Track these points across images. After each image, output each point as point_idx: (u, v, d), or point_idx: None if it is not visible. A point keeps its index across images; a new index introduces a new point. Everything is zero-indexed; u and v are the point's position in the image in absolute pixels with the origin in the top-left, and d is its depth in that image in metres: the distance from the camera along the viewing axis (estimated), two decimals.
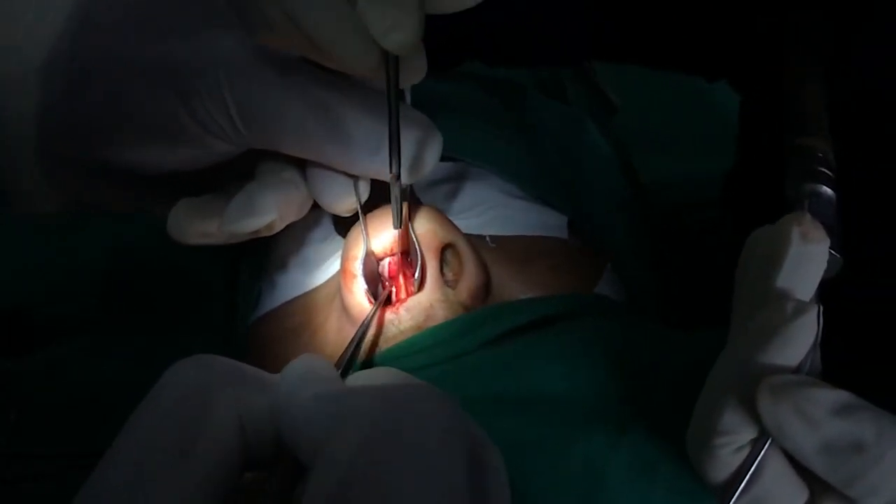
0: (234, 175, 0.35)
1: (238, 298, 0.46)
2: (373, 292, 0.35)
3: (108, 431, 0.42)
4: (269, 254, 0.43)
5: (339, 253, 0.38)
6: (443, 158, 0.35)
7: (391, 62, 0.28)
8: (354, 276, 0.35)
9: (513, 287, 0.38)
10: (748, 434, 0.26)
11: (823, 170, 0.32)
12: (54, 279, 0.51)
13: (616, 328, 0.36)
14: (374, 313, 0.34)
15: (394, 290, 0.36)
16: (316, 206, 0.35)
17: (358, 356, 0.33)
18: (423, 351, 0.33)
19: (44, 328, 0.49)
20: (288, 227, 0.35)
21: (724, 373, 0.27)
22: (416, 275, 0.35)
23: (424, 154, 0.33)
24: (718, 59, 0.54)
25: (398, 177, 0.31)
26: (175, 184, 0.35)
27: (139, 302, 0.51)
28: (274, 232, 0.34)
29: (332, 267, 0.40)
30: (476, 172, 0.44)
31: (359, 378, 0.25)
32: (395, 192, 0.32)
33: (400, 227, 0.34)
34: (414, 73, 0.31)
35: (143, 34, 0.32)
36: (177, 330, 0.48)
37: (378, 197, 0.35)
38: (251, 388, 0.23)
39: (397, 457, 0.20)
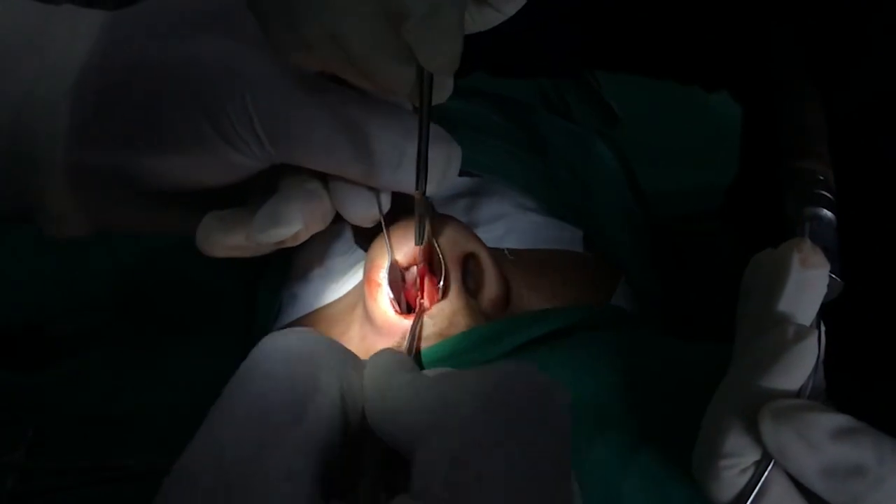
0: (258, 189, 0.36)
1: (257, 310, 0.46)
2: (397, 301, 0.35)
3: (124, 444, 0.43)
4: (290, 266, 0.44)
5: (360, 264, 0.38)
6: (461, 174, 0.36)
7: (426, 82, 0.29)
8: (379, 286, 0.35)
9: (531, 298, 0.39)
10: (752, 456, 0.26)
11: (823, 193, 0.33)
12: (69, 293, 0.51)
13: (629, 340, 0.37)
14: (419, 321, 0.35)
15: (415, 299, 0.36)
16: (336, 219, 0.36)
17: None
18: (444, 359, 0.34)
19: (59, 342, 0.50)
20: (308, 239, 0.36)
21: (729, 396, 0.28)
22: (440, 283, 0.35)
23: (446, 168, 0.34)
24: (717, 68, 0.54)
25: (424, 193, 0.32)
26: (201, 200, 0.36)
27: (153, 314, 0.51)
28: (299, 242, 0.35)
29: (352, 278, 0.41)
30: (492, 188, 0.45)
31: (432, 372, 0.26)
32: (419, 210, 0.33)
33: (422, 243, 0.35)
34: (444, 92, 0.32)
35: (168, 49, 0.33)
36: (190, 342, 0.49)
37: (399, 207, 0.36)
38: (348, 362, 0.24)
39: (509, 437, 0.21)
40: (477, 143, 0.46)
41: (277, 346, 0.24)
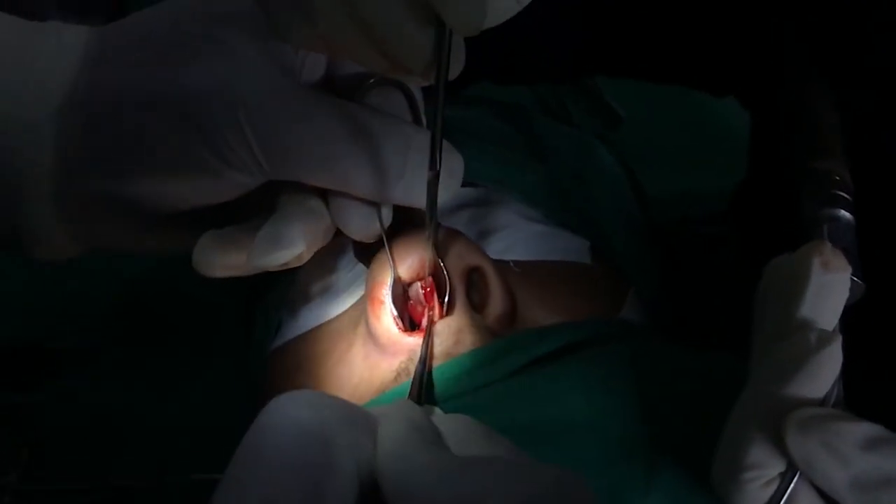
0: (255, 206, 0.35)
1: (256, 327, 0.45)
2: (400, 318, 0.35)
3: (121, 464, 0.42)
4: (290, 283, 0.43)
5: (362, 280, 0.38)
6: (464, 184, 0.35)
7: (445, 49, 0.27)
8: (382, 303, 0.35)
9: (538, 312, 0.38)
10: (776, 468, 0.26)
11: (841, 193, 0.32)
12: (63, 311, 0.50)
13: (640, 354, 0.36)
14: (428, 340, 0.34)
15: (419, 315, 0.36)
16: (337, 234, 0.35)
17: (421, 388, 0.33)
18: (451, 379, 0.33)
19: (54, 361, 0.49)
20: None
21: (750, 406, 0.27)
22: (445, 299, 0.35)
23: (448, 178, 0.33)
24: (725, 74, 0.54)
25: (437, 175, 0.31)
26: (196, 219, 0.35)
27: (153, 330, 0.50)
28: (302, 262, 0.34)
29: (353, 295, 0.40)
30: (497, 198, 0.44)
31: (453, 435, 0.24)
32: (431, 194, 0.32)
33: (434, 231, 0.33)
34: (458, 66, 0.30)
35: (159, 67, 0.32)
36: (191, 359, 0.48)
37: (401, 221, 0.35)
38: (363, 431, 0.22)
39: None
40: (479, 151, 0.45)
41: (283, 421, 0.21)
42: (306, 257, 0.34)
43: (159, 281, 0.52)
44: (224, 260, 0.34)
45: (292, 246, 0.32)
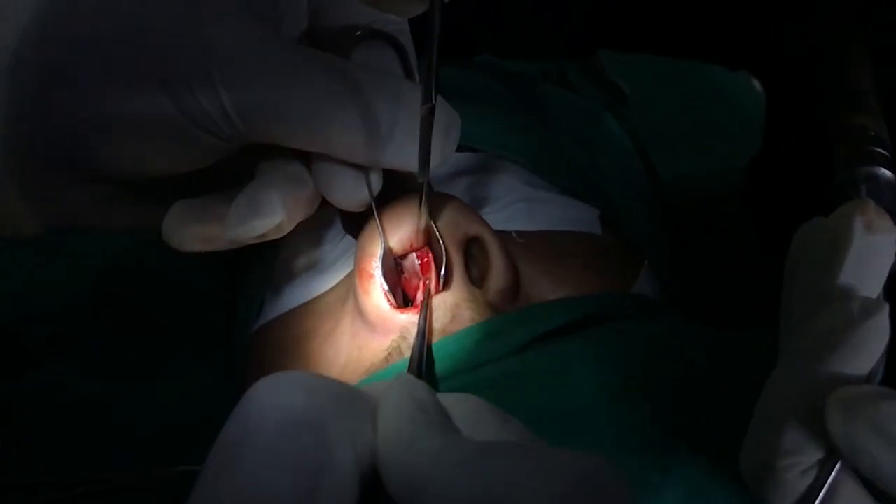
0: (233, 174, 0.33)
1: (238, 307, 0.43)
2: (392, 292, 0.33)
3: (102, 458, 0.40)
4: (273, 258, 0.41)
5: (350, 254, 0.36)
6: (461, 149, 0.32)
7: None
8: (371, 276, 0.33)
9: (543, 286, 0.36)
10: (815, 454, 0.23)
11: (878, 150, 0.29)
12: (42, 298, 0.48)
13: (656, 332, 0.34)
14: (426, 313, 0.32)
15: (412, 290, 0.34)
16: (323, 205, 0.33)
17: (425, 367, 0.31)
18: (448, 357, 0.31)
19: (34, 350, 0.47)
20: (295, 227, 0.32)
21: (784, 385, 0.24)
22: (441, 272, 0.32)
23: (444, 138, 0.31)
24: (742, 45, 0.51)
25: (432, 110, 0.28)
26: (167, 189, 0.32)
27: (133, 318, 0.48)
28: (283, 234, 0.31)
29: (341, 269, 0.38)
30: (497, 164, 0.42)
31: (462, 416, 0.21)
32: (424, 136, 0.29)
33: (426, 187, 0.31)
34: None
35: (121, 17, 0.30)
36: (172, 348, 0.46)
37: (392, 189, 0.33)
38: (363, 417, 0.19)
39: None
40: (478, 116, 0.43)
41: (270, 407, 0.18)
42: (287, 228, 0.31)
43: (142, 265, 0.50)
44: (197, 231, 0.31)
45: (271, 214, 0.30)
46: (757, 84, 0.71)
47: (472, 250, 0.34)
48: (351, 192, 0.31)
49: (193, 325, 0.47)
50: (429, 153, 0.29)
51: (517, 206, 0.39)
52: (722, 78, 0.82)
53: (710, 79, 0.79)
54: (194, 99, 0.28)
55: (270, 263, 0.41)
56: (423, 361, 0.30)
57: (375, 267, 0.32)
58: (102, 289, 0.49)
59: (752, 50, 0.52)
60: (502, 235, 0.35)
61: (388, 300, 0.32)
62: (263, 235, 0.31)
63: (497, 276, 0.34)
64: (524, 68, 0.60)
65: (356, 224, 0.35)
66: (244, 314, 0.41)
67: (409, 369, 0.30)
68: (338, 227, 0.39)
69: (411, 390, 0.20)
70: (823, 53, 0.35)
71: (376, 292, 0.32)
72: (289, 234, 0.33)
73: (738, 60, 0.55)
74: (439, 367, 0.31)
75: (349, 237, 0.38)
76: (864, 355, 0.23)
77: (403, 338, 0.32)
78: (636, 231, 0.43)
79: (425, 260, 0.33)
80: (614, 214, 0.42)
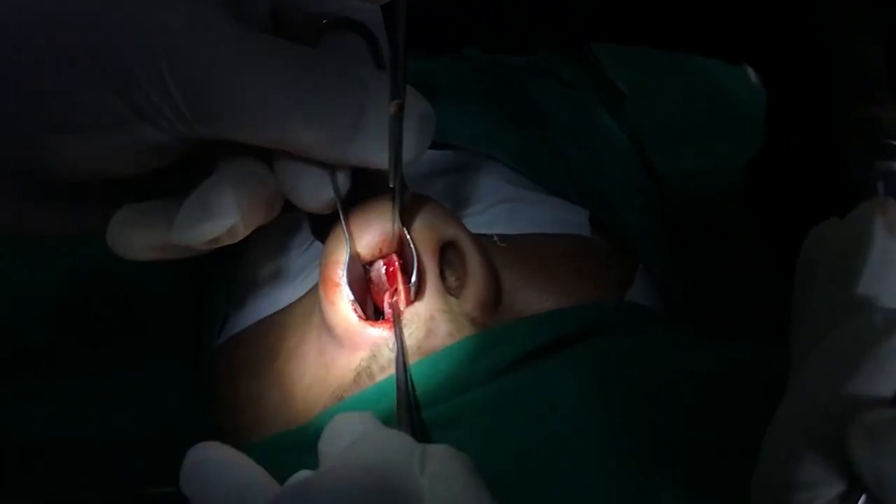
0: (190, 177, 0.30)
1: (203, 320, 0.41)
2: (360, 303, 0.30)
3: (74, 475, 0.39)
4: (235, 266, 0.39)
5: (317, 262, 0.33)
6: (440, 146, 0.31)
7: None
8: (337, 285, 0.30)
9: (528, 295, 0.34)
10: (835, 487, 0.21)
11: (895, 143, 0.27)
12: (8, 308, 0.46)
13: (655, 346, 0.32)
14: (400, 336, 0.29)
15: (385, 301, 0.31)
16: (289, 208, 0.31)
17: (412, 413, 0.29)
18: (426, 381, 0.29)
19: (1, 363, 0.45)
20: (258, 234, 0.30)
21: (798, 409, 0.22)
22: (413, 280, 0.30)
23: (418, 132, 0.28)
24: (741, 37, 0.50)
25: (402, 107, 0.26)
26: (118, 193, 0.30)
27: (102, 328, 0.46)
28: (238, 239, 0.29)
29: (308, 279, 0.36)
30: (479, 162, 0.40)
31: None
32: (394, 134, 0.27)
33: (398, 188, 0.29)
34: None
35: (63, 10, 0.27)
36: (143, 359, 0.44)
37: (360, 190, 0.31)
38: None
39: None
40: (462, 110, 0.41)
41: None
42: (243, 232, 0.29)
43: (109, 273, 0.48)
44: (144, 237, 0.29)
45: (223, 216, 0.28)
46: (756, 78, 0.70)
47: (449, 256, 0.33)
48: (315, 193, 0.29)
49: (164, 334, 0.45)
50: (400, 149, 0.27)
51: (499, 207, 0.37)
52: (719, 72, 0.81)
53: (707, 73, 0.78)
54: (140, 91, 0.26)
55: (233, 272, 0.39)
56: (413, 419, 0.28)
57: (341, 275, 0.30)
58: (69, 298, 0.47)
59: (752, 42, 0.50)
60: (482, 240, 0.33)
61: (357, 312, 0.30)
62: (216, 241, 0.28)
63: (475, 285, 0.32)
64: (514, 62, 0.59)
65: (326, 229, 0.32)
66: (207, 331, 0.39)
67: (399, 424, 0.28)
68: (305, 233, 0.37)
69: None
70: (830, 42, 0.33)
71: (343, 303, 0.30)
72: (251, 240, 0.31)
73: (737, 53, 0.53)
74: (417, 392, 0.29)
75: (318, 243, 0.35)
76: (890, 374, 0.20)
77: (374, 356, 0.30)
78: (632, 232, 0.41)
79: (391, 269, 0.30)
80: (608, 215, 0.40)
